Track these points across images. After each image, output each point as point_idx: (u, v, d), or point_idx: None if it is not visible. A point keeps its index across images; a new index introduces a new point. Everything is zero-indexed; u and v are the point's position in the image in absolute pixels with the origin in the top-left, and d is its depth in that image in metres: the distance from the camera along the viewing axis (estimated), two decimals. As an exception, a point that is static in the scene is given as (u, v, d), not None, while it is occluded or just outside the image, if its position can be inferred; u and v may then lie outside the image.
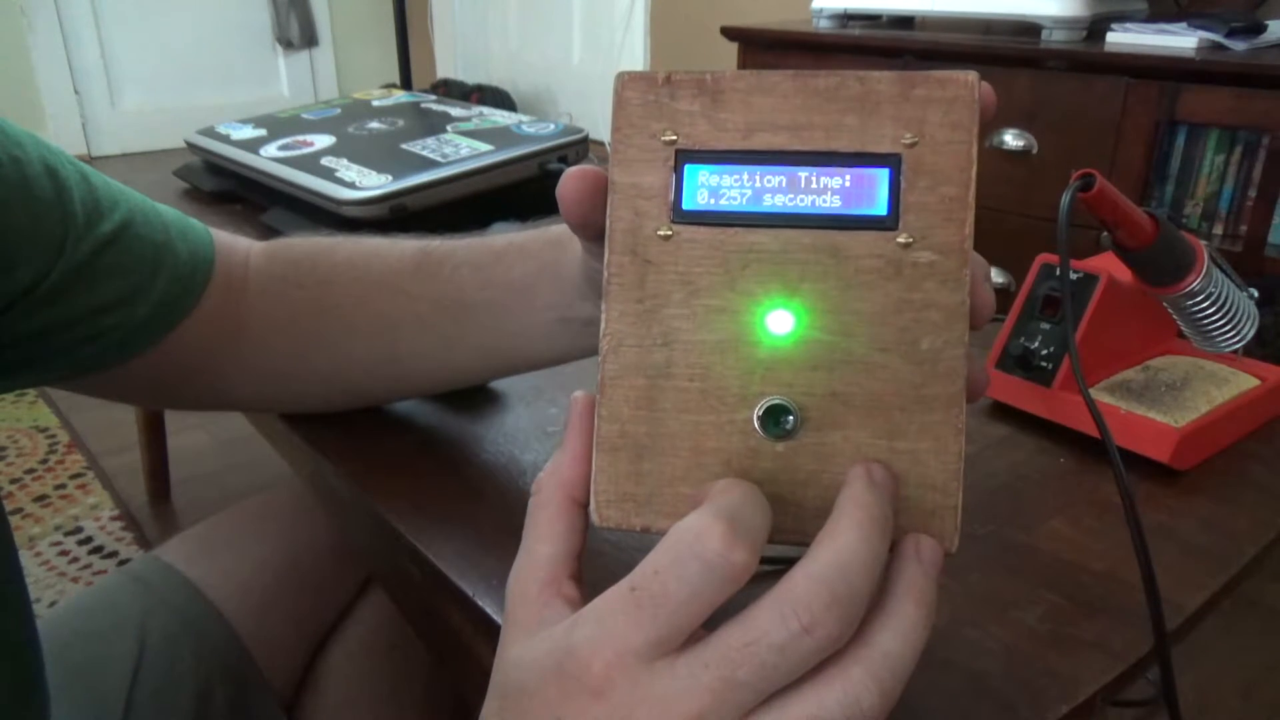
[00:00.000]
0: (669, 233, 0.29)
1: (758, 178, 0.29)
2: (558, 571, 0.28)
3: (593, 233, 0.33)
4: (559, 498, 0.29)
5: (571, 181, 0.32)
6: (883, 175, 0.28)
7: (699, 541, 0.24)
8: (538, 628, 0.27)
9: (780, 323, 0.28)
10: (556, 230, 0.45)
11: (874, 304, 0.28)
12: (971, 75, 0.28)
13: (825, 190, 0.28)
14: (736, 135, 0.29)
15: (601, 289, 0.29)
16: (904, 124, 0.28)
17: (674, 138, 0.29)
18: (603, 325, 0.29)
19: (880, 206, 0.28)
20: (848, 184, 0.28)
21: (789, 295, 0.28)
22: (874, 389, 0.28)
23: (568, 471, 0.29)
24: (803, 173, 0.28)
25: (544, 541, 0.29)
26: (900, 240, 0.28)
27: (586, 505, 0.29)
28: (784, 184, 0.29)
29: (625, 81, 0.30)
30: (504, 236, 0.48)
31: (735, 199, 0.29)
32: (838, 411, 0.28)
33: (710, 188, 0.29)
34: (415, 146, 0.92)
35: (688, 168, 0.29)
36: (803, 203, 0.28)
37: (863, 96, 0.28)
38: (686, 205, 0.29)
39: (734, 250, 0.28)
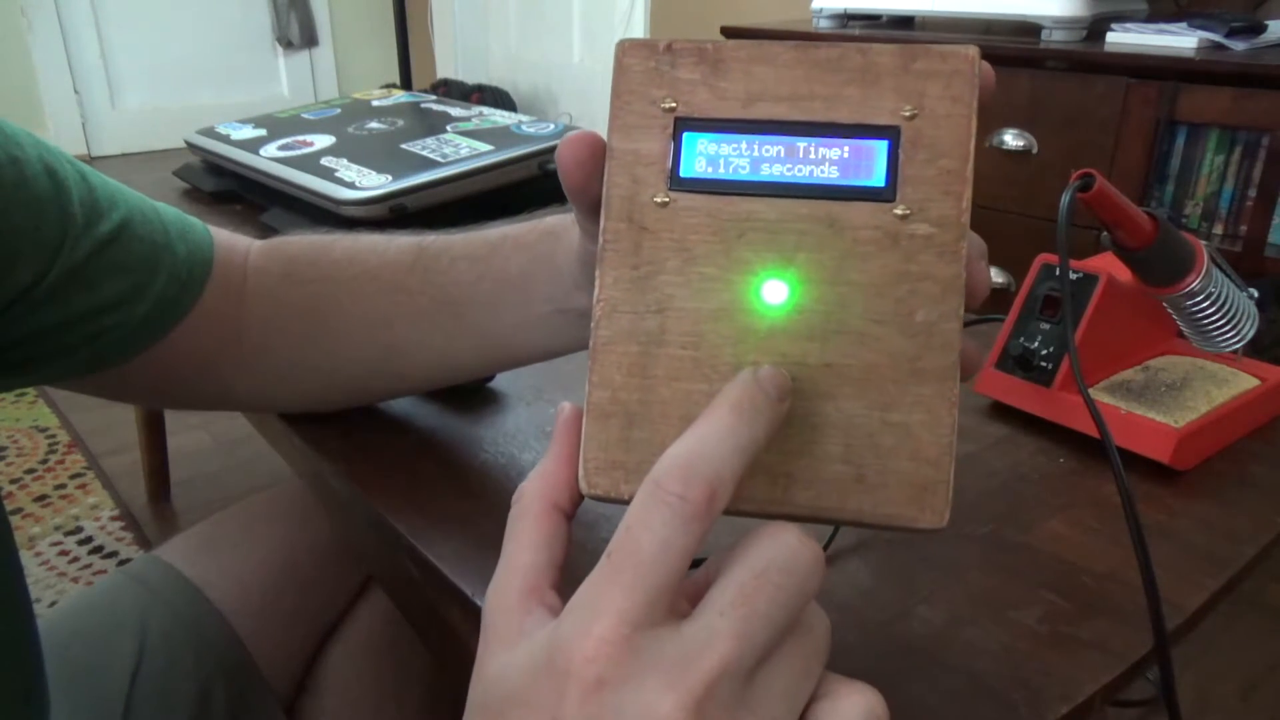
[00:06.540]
0: (666, 200, 0.29)
1: (756, 147, 0.29)
2: (539, 580, 0.26)
3: (590, 200, 0.32)
4: (540, 505, 0.28)
5: (570, 146, 0.32)
6: (881, 147, 0.28)
7: (659, 487, 0.24)
8: (519, 638, 0.25)
9: (775, 292, 0.28)
10: (551, 221, 0.45)
11: (870, 275, 0.28)
12: (972, 50, 0.28)
13: (824, 161, 0.28)
14: (736, 104, 0.29)
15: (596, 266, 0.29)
16: (904, 96, 0.28)
17: (673, 105, 0.29)
18: (596, 291, 0.29)
19: (878, 178, 0.28)
20: (846, 155, 0.28)
21: (785, 265, 0.28)
22: (868, 360, 0.28)
23: (551, 476, 0.28)
24: (801, 143, 0.28)
25: (525, 550, 0.27)
26: (897, 212, 0.28)
27: (570, 513, 0.28)
28: (782, 154, 0.28)
29: (626, 48, 0.29)
30: (499, 229, 0.48)
31: (733, 168, 0.29)
32: (831, 382, 0.28)
33: (708, 156, 0.29)
34: (415, 146, 0.92)
35: (686, 135, 0.29)
36: (801, 173, 0.28)
37: (863, 68, 0.28)
38: (684, 173, 0.29)
39: (730, 219, 0.28)
